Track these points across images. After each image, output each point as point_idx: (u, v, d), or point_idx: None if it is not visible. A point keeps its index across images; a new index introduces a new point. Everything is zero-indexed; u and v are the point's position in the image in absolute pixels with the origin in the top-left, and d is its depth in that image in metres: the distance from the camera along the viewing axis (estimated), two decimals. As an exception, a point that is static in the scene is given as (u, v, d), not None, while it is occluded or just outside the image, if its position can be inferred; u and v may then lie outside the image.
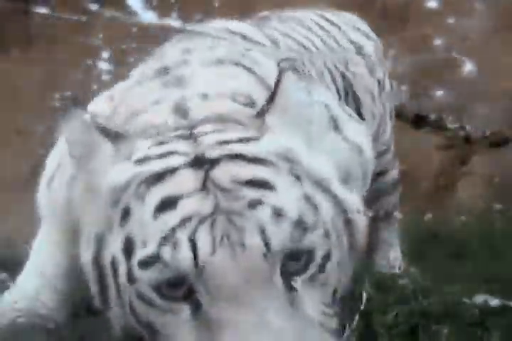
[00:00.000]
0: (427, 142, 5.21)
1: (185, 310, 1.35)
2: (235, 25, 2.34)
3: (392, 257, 2.98)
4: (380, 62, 2.90)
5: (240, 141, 1.46)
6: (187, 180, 1.39)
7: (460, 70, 5.56)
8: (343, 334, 1.54)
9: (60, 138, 2.06)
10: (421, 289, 2.16)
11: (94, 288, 1.48)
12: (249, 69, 1.83)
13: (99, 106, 1.90)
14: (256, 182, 1.39)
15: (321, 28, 2.78)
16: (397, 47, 5.71)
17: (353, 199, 1.54)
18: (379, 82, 2.82)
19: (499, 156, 5.09)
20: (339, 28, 2.83)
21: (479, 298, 2.00)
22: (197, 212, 1.35)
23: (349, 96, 2.64)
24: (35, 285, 1.97)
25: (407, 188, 3.31)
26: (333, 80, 2.60)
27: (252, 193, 1.37)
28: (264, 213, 1.34)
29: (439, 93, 5.50)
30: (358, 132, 2.13)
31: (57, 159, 2.00)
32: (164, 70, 1.81)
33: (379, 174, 2.92)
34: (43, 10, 6.04)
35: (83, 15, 5.92)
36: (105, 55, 5.80)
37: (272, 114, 1.51)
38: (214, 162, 1.41)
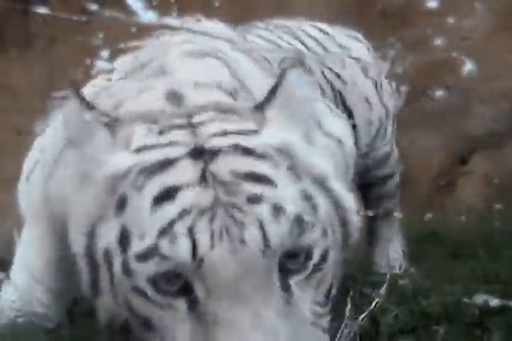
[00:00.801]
0: (427, 142, 5.21)
1: (181, 305, 1.33)
2: (215, 26, 2.33)
3: (393, 257, 2.97)
4: (375, 63, 2.89)
5: (240, 133, 1.44)
6: (186, 171, 1.37)
7: (460, 70, 5.55)
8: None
9: (37, 139, 2.08)
10: (421, 289, 2.16)
11: (85, 277, 1.45)
12: (225, 63, 1.81)
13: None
14: (255, 176, 1.37)
15: (310, 36, 2.79)
16: (397, 47, 5.71)
17: (349, 197, 1.53)
18: (375, 82, 2.81)
19: (499, 156, 5.09)
20: (328, 35, 2.83)
21: (479, 298, 2.00)
22: (196, 205, 1.33)
23: (338, 103, 2.63)
24: (28, 283, 1.97)
25: (407, 188, 3.30)
26: (320, 87, 2.60)
27: (251, 188, 1.35)
28: (263, 209, 1.33)
29: (439, 93, 5.50)
30: (336, 125, 2.13)
31: (36, 157, 2.01)
32: (146, 63, 1.78)
33: (383, 178, 2.91)
34: (43, 10, 6.03)
35: (83, 15, 5.92)
36: (105, 54, 5.80)
37: (272, 108, 1.49)
38: (213, 153, 1.39)
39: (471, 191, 4.98)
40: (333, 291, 1.46)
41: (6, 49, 5.86)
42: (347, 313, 1.57)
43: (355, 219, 1.53)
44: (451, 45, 5.67)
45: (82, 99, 1.47)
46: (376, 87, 2.80)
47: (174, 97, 1.58)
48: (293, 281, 1.36)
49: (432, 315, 1.88)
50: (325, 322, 1.42)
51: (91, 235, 1.42)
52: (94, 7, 6.04)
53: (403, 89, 5.35)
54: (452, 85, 5.47)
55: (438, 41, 5.75)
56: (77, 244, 1.45)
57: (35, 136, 2.18)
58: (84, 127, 1.45)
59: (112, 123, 1.46)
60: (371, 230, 3.02)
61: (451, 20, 5.81)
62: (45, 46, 5.93)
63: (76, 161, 1.49)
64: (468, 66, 5.54)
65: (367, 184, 2.86)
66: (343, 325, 1.53)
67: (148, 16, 6.14)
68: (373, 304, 1.72)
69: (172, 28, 2.09)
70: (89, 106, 1.46)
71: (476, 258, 2.73)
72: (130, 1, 6.18)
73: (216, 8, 5.85)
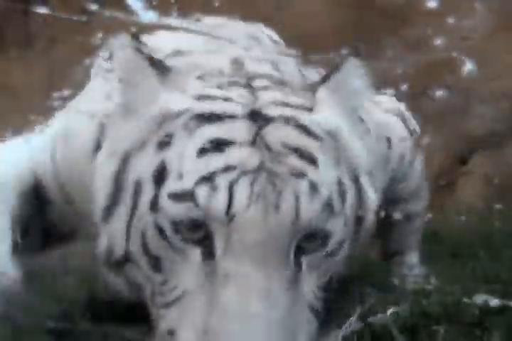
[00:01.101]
0: (426, 142, 5.21)
1: (196, 254, 1.35)
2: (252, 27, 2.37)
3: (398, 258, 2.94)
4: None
5: (296, 106, 1.48)
6: (241, 130, 1.40)
7: (460, 70, 5.56)
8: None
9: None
10: (421, 289, 2.16)
11: (102, 200, 1.46)
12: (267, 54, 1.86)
13: None
14: (303, 152, 1.40)
15: None
16: (397, 47, 5.71)
17: (374, 196, 1.55)
18: (399, 119, 2.68)
19: (499, 156, 5.09)
20: None
21: (479, 298, 2.00)
22: (242, 164, 1.36)
23: None
24: None
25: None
26: None
27: (296, 162, 1.38)
28: (302, 185, 1.36)
29: (439, 93, 5.50)
30: None
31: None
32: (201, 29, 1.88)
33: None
34: (43, 10, 6.04)
35: (83, 15, 5.92)
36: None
37: (324, 90, 1.53)
38: (268, 120, 1.42)
39: (471, 191, 4.98)
40: (333, 282, 1.48)
41: (6, 49, 5.86)
42: (354, 313, 1.59)
43: (371, 219, 1.54)
44: (451, 45, 5.68)
45: (138, 42, 1.51)
46: (399, 124, 2.66)
47: (236, 62, 1.62)
48: (304, 261, 1.39)
49: (432, 315, 1.88)
50: (318, 305, 1.44)
51: (125, 162, 1.44)
52: (94, 7, 6.04)
53: (403, 89, 5.35)
54: (452, 85, 5.47)
55: (438, 41, 5.75)
56: (106, 166, 1.47)
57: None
58: (136, 71, 1.49)
59: (163, 70, 1.50)
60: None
61: (451, 20, 5.81)
62: (45, 46, 5.93)
63: (122, 93, 1.52)
64: (468, 66, 5.54)
65: None
66: (347, 325, 1.54)
67: (148, 16, 6.14)
68: (389, 311, 1.73)
69: (173, 28, 2.10)
70: (142, 50, 1.50)
71: (476, 258, 2.73)
72: (130, 1, 6.18)
73: (216, 8, 5.85)
